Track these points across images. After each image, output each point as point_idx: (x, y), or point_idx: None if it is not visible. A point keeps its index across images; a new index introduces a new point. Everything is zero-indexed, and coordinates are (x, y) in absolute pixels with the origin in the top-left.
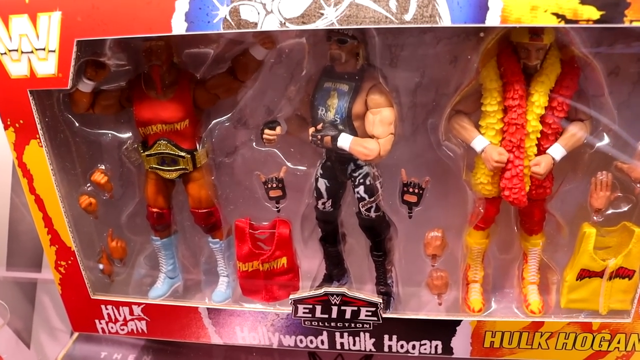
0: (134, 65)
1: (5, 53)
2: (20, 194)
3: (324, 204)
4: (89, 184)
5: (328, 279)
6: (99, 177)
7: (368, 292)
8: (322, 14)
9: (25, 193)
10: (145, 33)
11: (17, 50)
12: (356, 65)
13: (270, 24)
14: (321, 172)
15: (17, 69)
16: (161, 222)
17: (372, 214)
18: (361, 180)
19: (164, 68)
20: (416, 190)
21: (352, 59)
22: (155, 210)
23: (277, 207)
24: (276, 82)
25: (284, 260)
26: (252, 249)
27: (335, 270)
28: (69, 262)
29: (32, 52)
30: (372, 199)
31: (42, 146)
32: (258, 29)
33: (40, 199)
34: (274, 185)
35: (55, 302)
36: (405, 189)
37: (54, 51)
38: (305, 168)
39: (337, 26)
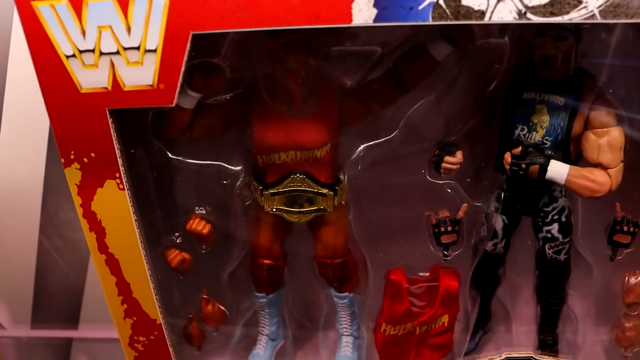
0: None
1: (72, 56)
2: (51, 236)
3: (495, 245)
4: (177, 234)
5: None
6: (199, 225)
7: (551, 354)
8: (580, 3)
9: (92, 252)
10: (309, 24)
11: (92, 51)
12: (568, 70)
13: (503, 15)
14: (498, 205)
15: (90, 79)
16: (274, 276)
17: (562, 257)
18: (555, 217)
19: (303, 73)
20: (631, 229)
21: (565, 62)
22: (267, 262)
23: (446, 255)
24: (454, 91)
25: (445, 318)
26: (409, 308)
27: (484, 319)
28: (152, 337)
29: (117, 52)
30: (567, 239)
31: (123, 189)
32: (486, 20)
33: (114, 260)
34: (449, 229)
35: None
36: (618, 227)
37: (153, 51)
38: (480, 204)
39: (599, 19)
